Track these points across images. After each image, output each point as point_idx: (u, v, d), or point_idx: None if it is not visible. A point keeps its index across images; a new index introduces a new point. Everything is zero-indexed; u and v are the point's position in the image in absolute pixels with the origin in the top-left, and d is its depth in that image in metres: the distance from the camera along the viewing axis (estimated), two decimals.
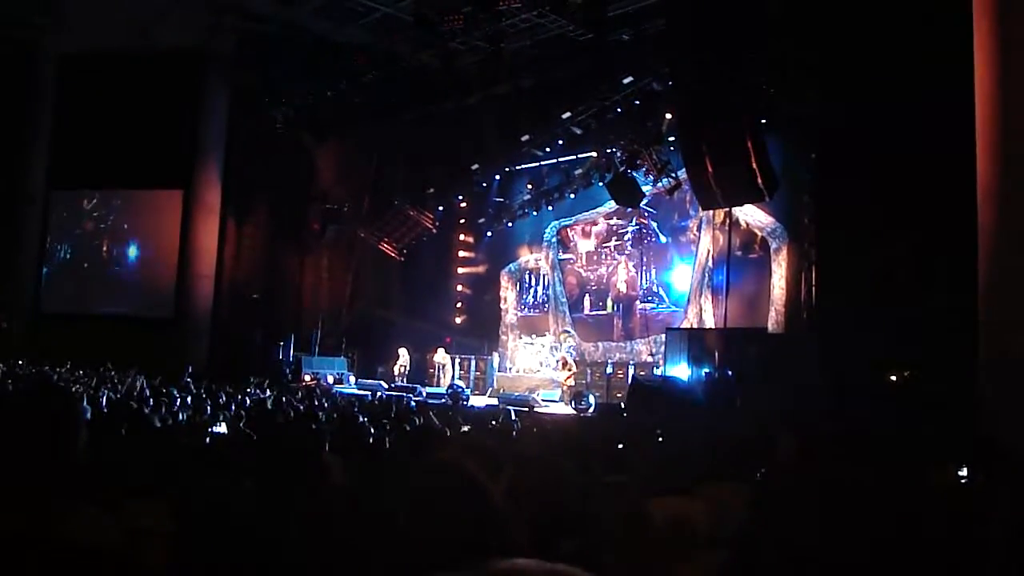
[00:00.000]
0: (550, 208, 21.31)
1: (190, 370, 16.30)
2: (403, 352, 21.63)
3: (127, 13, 23.03)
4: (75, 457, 1.94)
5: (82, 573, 1.88)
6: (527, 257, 23.01)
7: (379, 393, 17.86)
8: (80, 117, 24.83)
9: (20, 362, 18.43)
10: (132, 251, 25.67)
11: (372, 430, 5.74)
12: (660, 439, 8.86)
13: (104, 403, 9.00)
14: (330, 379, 21.09)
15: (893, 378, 13.82)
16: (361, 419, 7.87)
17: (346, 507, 3.48)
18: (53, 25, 24.38)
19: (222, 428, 6.70)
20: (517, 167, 21.61)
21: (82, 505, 2.34)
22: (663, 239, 20.22)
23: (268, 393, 13.65)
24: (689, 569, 3.41)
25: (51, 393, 2.03)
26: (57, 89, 25.91)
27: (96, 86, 24.35)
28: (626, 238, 21.05)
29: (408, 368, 21.50)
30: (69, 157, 25.28)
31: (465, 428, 8.48)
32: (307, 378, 20.64)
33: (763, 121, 15.02)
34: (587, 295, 21.82)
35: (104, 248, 26.04)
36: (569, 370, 18.94)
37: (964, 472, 5.52)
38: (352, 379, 21.65)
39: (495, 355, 22.12)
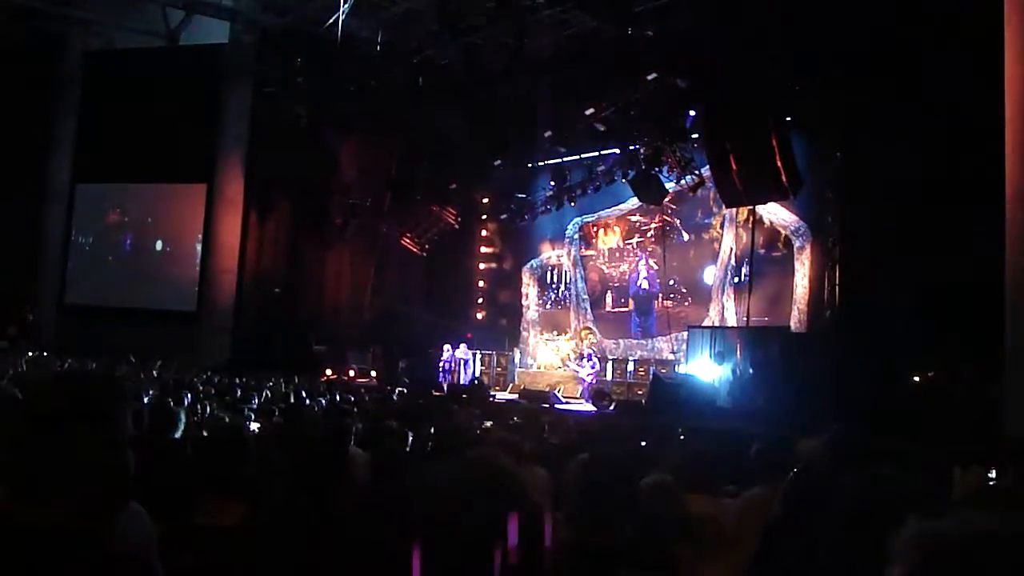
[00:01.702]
0: (572, 204, 21.25)
1: (209, 374, 16.27)
2: (448, 348, 21.66)
3: (151, 9, 23.22)
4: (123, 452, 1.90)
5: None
6: (549, 253, 23.00)
7: (401, 388, 17.89)
8: (104, 112, 25.05)
9: (45, 354, 18.58)
10: (155, 245, 25.82)
11: (396, 425, 5.76)
12: (682, 437, 8.86)
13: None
14: (352, 373, 21.17)
15: (916, 378, 13.74)
16: (385, 414, 7.88)
17: (372, 503, 3.49)
18: (78, 21, 24.56)
19: (253, 426, 6.74)
20: (540, 163, 21.58)
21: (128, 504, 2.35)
22: (686, 236, 20.17)
23: (290, 388, 13.69)
24: (716, 568, 3.40)
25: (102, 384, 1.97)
26: (82, 84, 26.16)
27: (120, 81, 24.55)
28: (649, 235, 21.01)
29: (453, 363, 21.52)
30: (94, 151, 25.48)
31: (487, 424, 8.47)
32: (329, 372, 20.72)
33: (788, 119, 14.95)
34: (609, 292, 21.80)
35: (128, 241, 26.21)
36: (591, 367, 18.93)
37: (992, 473, 5.47)
38: (374, 373, 21.70)
39: (516, 351, 22.12)
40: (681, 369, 17.55)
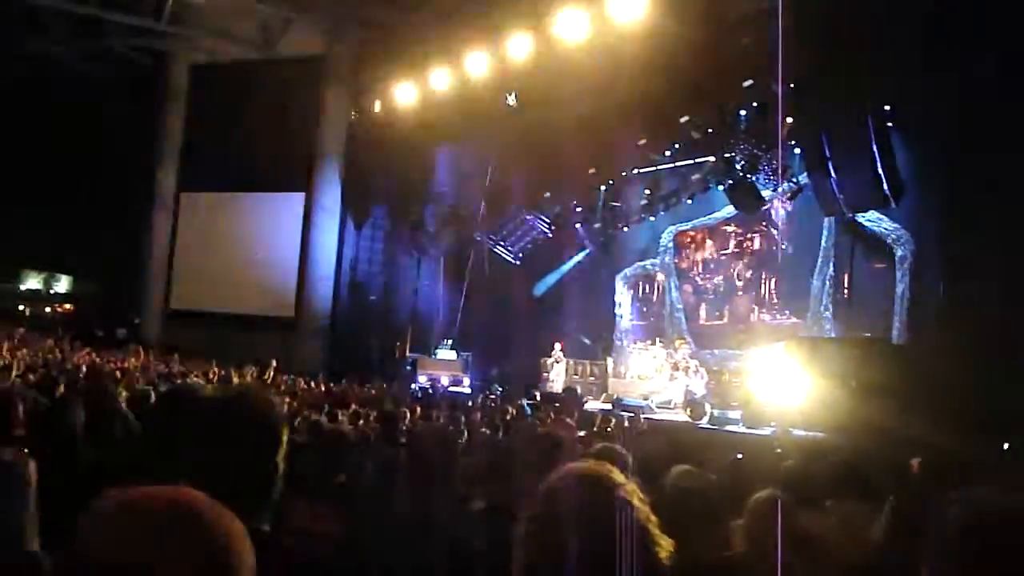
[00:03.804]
0: (666, 213, 21.05)
1: (307, 378, 16.58)
2: (557, 348, 21.57)
3: (253, 23, 23.96)
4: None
5: None
6: (643, 263, 22.81)
7: (493, 395, 17.97)
8: (208, 123, 25.86)
9: (152, 360, 19.14)
10: (256, 252, 26.46)
11: (491, 434, 5.79)
12: (778, 450, 8.71)
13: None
14: (445, 380, 21.32)
15: None
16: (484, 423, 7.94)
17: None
18: (184, 36, 25.43)
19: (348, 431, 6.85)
20: (634, 171, 21.42)
21: None
22: (783, 246, 19.77)
23: (386, 393, 13.89)
24: None
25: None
26: (187, 97, 27.08)
27: (223, 93, 25.35)
28: (745, 245, 20.66)
29: (564, 369, 21.46)
30: (198, 161, 26.34)
31: (581, 433, 8.45)
32: (423, 379, 20.92)
33: (889, 124, 14.58)
34: (704, 303, 21.50)
35: (229, 248, 26.93)
36: (686, 378, 18.68)
37: None
38: (467, 380, 21.83)
39: (609, 360, 21.97)
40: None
